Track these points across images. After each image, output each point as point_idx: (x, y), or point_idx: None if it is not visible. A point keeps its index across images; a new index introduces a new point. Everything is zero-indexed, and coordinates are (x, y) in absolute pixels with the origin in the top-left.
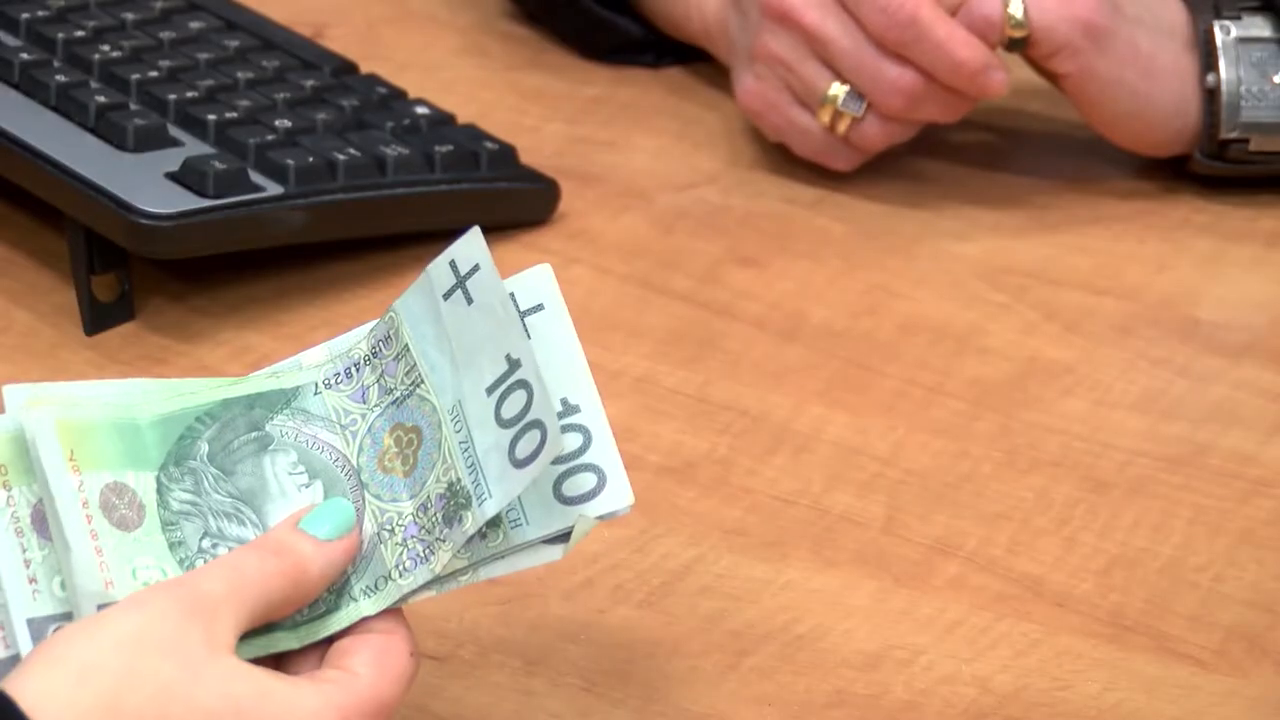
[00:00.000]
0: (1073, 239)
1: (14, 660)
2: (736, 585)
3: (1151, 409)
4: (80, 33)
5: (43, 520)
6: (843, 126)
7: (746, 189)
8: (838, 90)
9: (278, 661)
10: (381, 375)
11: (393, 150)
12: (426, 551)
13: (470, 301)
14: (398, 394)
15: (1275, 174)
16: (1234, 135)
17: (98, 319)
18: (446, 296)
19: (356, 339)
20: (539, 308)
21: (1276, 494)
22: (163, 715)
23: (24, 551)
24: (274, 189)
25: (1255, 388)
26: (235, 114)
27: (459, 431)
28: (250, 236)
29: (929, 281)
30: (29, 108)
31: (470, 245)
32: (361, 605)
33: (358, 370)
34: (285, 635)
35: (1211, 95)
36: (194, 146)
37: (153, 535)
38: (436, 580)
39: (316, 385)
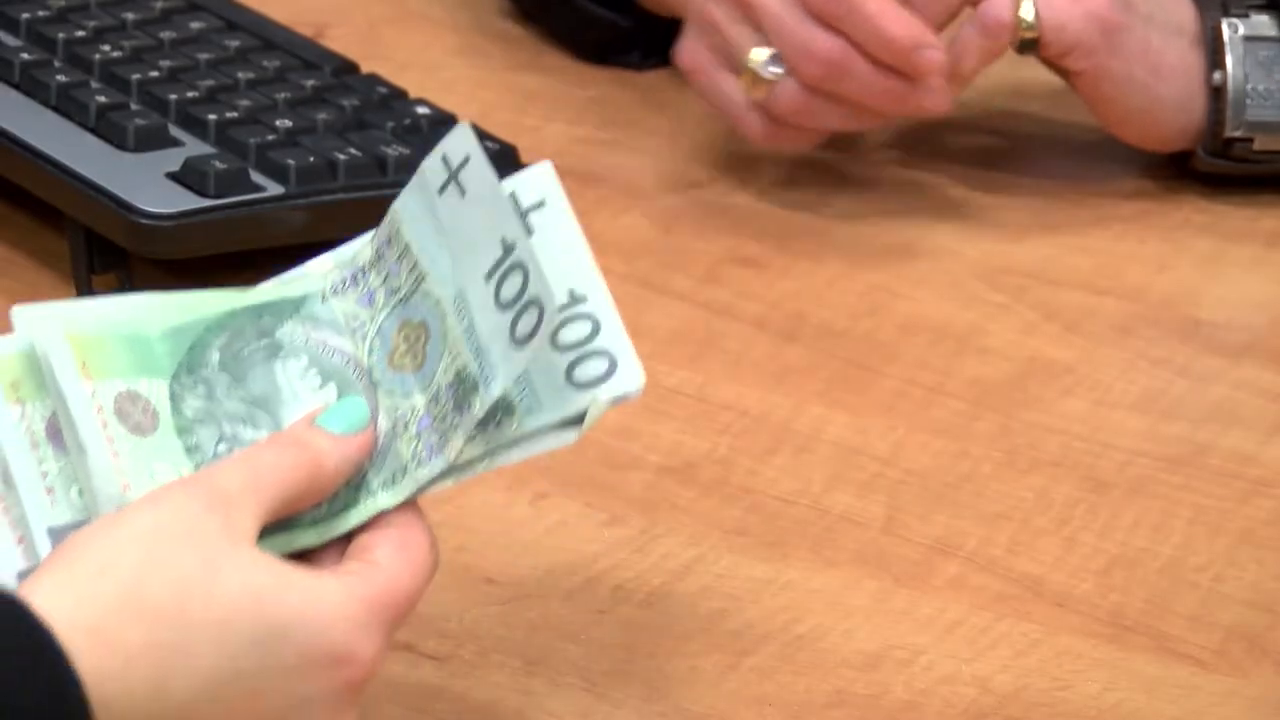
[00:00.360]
0: (1073, 239)
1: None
2: (737, 585)
3: (1152, 409)
4: (81, 33)
5: (57, 433)
6: (760, 92)
7: (747, 189)
8: (760, 54)
9: (297, 560)
10: (387, 277)
11: (393, 150)
12: (441, 441)
13: (464, 194)
14: (403, 293)
15: (1278, 173)
16: (1239, 134)
17: None
18: (441, 191)
19: (360, 245)
20: (540, 204)
21: (1277, 494)
22: (182, 605)
23: (40, 463)
24: (275, 189)
25: (1255, 388)
26: (236, 114)
27: (463, 320)
28: (251, 236)
29: (929, 282)
30: (29, 108)
31: (460, 138)
32: (380, 499)
33: (363, 275)
34: (305, 532)
35: (1217, 93)
36: (194, 146)
37: (168, 441)
38: (453, 469)
39: (323, 293)
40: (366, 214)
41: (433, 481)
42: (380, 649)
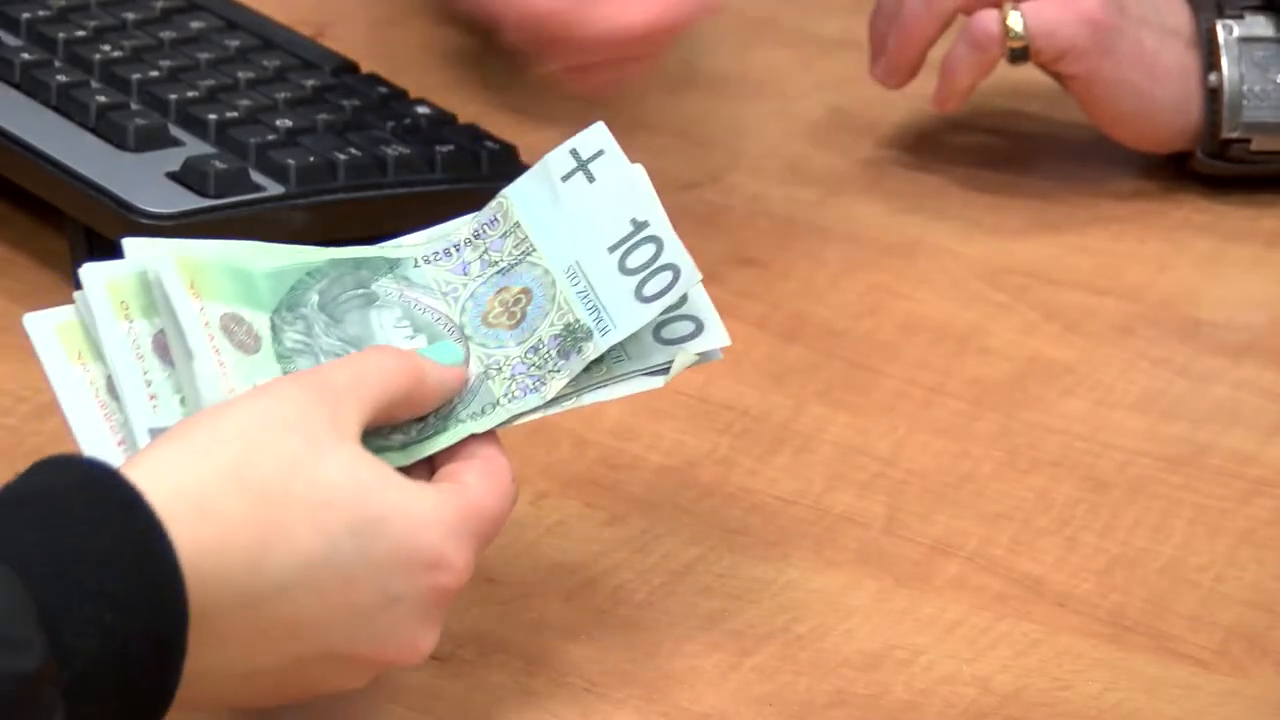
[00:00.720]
0: (1073, 239)
1: None
2: (737, 585)
3: (1152, 409)
4: (81, 32)
5: (164, 348)
6: None
7: (747, 189)
8: None
9: None
10: (485, 251)
11: (393, 150)
12: (537, 383)
13: (592, 180)
14: (503, 265)
15: (1276, 174)
16: (1235, 135)
17: None
18: (565, 179)
19: (457, 225)
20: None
21: (1277, 494)
22: (285, 484)
23: (145, 373)
24: (275, 189)
25: (1256, 387)
26: (236, 114)
27: (576, 284)
28: (251, 236)
29: (929, 282)
30: (30, 107)
31: (594, 134)
32: (469, 425)
33: (458, 250)
34: (393, 454)
35: (1214, 94)
36: (195, 146)
37: (268, 363)
38: (543, 405)
39: (416, 260)
40: (366, 214)
41: (523, 415)
42: (470, 561)
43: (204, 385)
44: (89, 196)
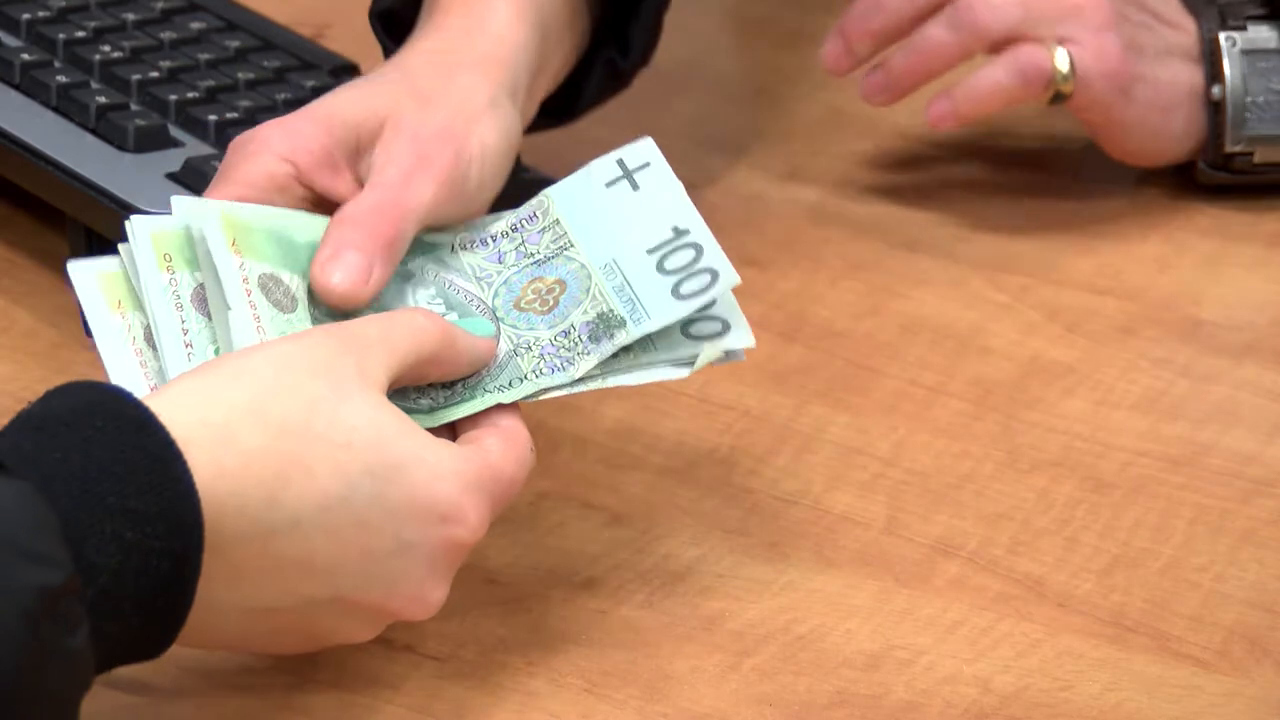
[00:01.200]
0: (1074, 239)
1: None
2: (738, 585)
3: (1153, 409)
4: (81, 33)
5: (202, 300)
6: None
7: (747, 189)
8: None
9: None
10: (522, 244)
11: None
12: (564, 363)
13: (636, 189)
14: (539, 257)
15: (1278, 183)
16: (1239, 149)
17: None
18: (609, 185)
19: (494, 218)
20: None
21: (1278, 494)
22: (307, 421)
23: (182, 323)
24: None
25: (1257, 388)
26: (236, 114)
27: (612, 279)
28: None
29: (930, 282)
30: (30, 108)
31: (641, 147)
32: (495, 396)
33: (494, 240)
34: (419, 417)
35: (1217, 107)
36: (195, 147)
37: (304, 323)
38: (570, 383)
39: (453, 245)
40: None
41: (550, 389)
42: (484, 518)
43: (238, 337)
44: (89, 197)
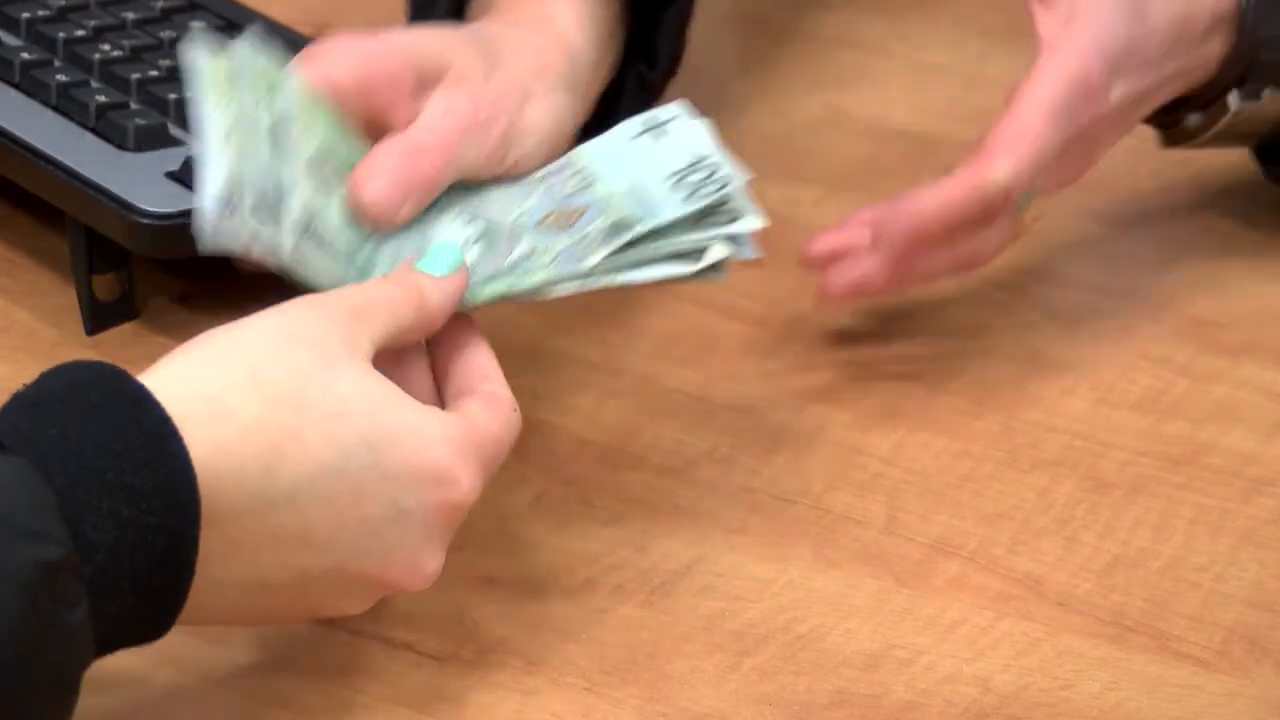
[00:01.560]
0: (1074, 238)
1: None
2: (737, 585)
3: (1153, 408)
4: (81, 32)
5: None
6: None
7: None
8: None
9: None
10: (550, 186)
11: None
12: (577, 260)
13: (663, 135)
14: (565, 192)
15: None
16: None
17: (98, 319)
18: (636, 137)
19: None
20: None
21: (1278, 493)
22: (301, 392)
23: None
24: None
25: (1257, 387)
26: None
27: (631, 199)
28: None
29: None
30: (30, 107)
31: (670, 108)
32: (510, 280)
33: (523, 180)
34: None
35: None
36: (195, 146)
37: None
38: (580, 277)
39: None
40: None
41: (561, 281)
42: (476, 482)
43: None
44: (89, 196)
